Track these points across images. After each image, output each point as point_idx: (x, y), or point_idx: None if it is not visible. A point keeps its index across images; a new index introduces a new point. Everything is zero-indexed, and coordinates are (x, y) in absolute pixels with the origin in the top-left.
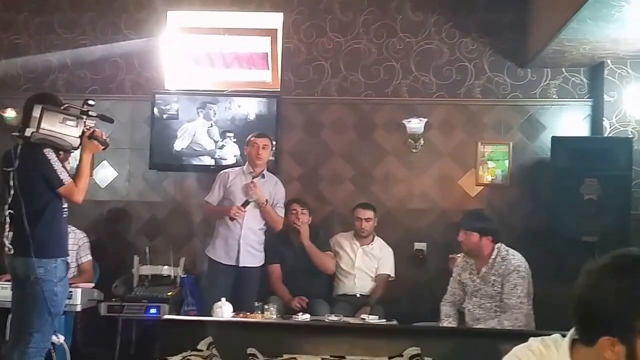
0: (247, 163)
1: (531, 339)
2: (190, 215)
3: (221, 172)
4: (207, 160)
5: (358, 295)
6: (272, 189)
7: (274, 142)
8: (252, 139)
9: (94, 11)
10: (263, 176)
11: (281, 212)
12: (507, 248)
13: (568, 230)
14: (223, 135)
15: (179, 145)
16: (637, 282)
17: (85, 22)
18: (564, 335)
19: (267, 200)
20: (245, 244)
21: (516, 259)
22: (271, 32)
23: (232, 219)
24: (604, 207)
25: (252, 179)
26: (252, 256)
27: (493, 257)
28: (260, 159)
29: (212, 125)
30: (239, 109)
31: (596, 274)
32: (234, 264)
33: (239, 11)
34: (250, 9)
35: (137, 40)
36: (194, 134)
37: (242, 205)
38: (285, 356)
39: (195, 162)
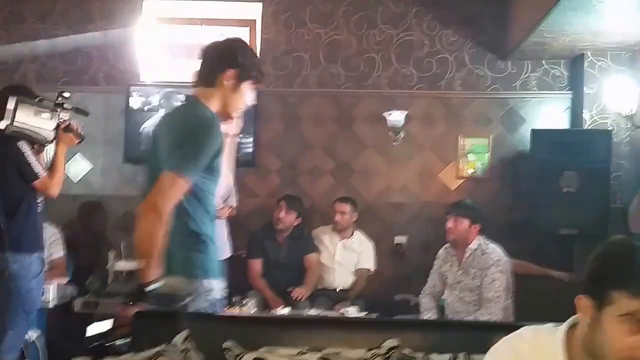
0: None
1: (523, 327)
2: None
3: None
4: None
5: (338, 289)
6: None
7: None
8: None
9: (66, 1)
10: None
11: None
12: (487, 242)
13: (547, 223)
14: None
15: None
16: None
17: (57, 12)
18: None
19: None
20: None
21: (495, 253)
22: (250, 23)
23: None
24: (583, 199)
25: None
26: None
27: (474, 248)
28: None
29: None
30: None
31: (614, 243)
32: None
33: (217, 0)
34: None
35: (110, 31)
36: None
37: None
38: (263, 349)
39: None
